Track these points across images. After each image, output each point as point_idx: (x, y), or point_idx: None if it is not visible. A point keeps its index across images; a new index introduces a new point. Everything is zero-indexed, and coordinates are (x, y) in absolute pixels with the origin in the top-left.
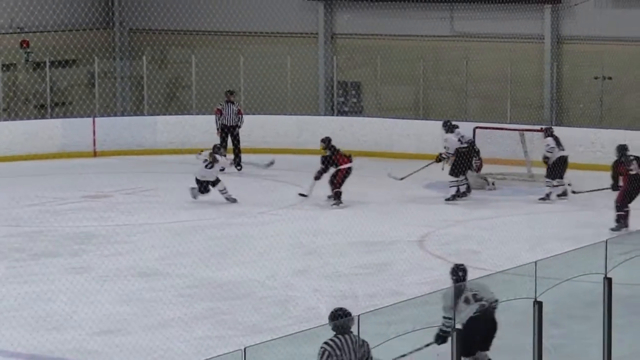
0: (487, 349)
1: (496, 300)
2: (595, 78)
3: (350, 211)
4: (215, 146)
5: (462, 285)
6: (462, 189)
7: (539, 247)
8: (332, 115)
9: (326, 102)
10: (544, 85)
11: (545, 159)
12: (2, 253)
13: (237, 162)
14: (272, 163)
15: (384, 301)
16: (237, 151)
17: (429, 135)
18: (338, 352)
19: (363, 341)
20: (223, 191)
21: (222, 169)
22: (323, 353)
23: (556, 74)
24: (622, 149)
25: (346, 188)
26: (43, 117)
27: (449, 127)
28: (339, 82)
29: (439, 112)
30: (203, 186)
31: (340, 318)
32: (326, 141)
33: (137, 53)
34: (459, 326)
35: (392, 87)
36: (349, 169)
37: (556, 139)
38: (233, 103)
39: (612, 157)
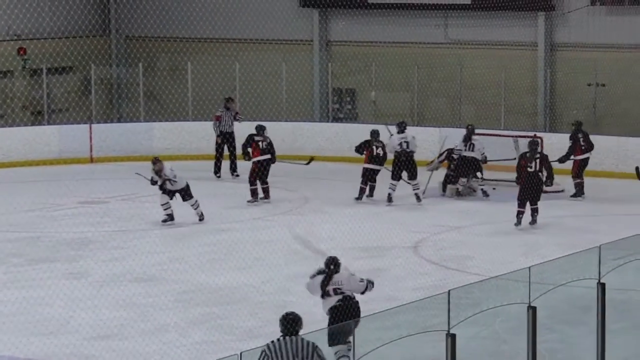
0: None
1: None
2: (589, 85)
3: (346, 217)
4: (153, 159)
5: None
6: (391, 193)
7: (533, 253)
8: (328, 121)
9: (321, 108)
10: (537, 92)
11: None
12: None
13: (233, 169)
14: (311, 160)
15: (379, 306)
16: (232, 157)
17: (423, 141)
18: (277, 354)
19: (310, 344)
20: (192, 206)
21: (171, 179)
22: (261, 354)
23: (550, 80)
24: (532, 144)
25: (342, 194)
26: (40, 123)
27: (400, 128)
28: (334, 89)
29: (433, 119)
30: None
31: (290, 321)
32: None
33: (134, 60)
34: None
35: (386, 94)
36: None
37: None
38: (231, 110)
39: (605, 163)
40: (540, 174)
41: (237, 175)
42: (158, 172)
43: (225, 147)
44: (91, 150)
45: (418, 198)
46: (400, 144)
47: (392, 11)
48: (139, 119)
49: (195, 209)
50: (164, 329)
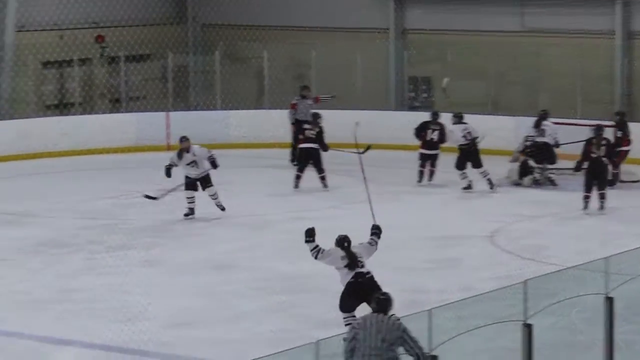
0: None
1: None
2: None
3: (423, 205)
4: (181, 138)
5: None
6: (464, 183)
7: (610, 243)
8: (403, 110)
9: (397, 97)
10: (614, 80)
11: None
12: (78, 245)
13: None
14: (368, 148)
15: (454, 296)
16: None
17: (499, 130)
18: (364, 328)
19: (398, 323)
20: (211, 197)
21: (213, 163)
22: (352, 328)
23: (627, 69)
24: (597, 130)
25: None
26: (117, 111)
27: (457, 119)
28: (409, 77)
29: (508, 107)
30: (191, 183)
31: (383, 300)
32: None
33: (210, 48)
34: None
35: (462, 82)
36: None
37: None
38: (307, 98)
39: None
40: (604, 159)
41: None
42: (184, 149)
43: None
44: (168, 138)
45: (491, 184)
46: (465, 136)
47: None
48: (215, 107)
49: (215, 199)
50: (240, 316)
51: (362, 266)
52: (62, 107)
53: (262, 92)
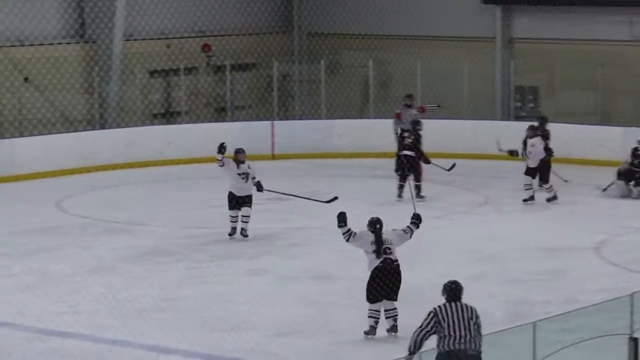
0: (394, 299)
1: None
2: None
3: (527, 216)
4: (237, 149)
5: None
6: (527, 195)
7: None
8: (509, 120)
9: (503, 106)
10: None
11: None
12: (182, 254)
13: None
14: (453, 166)
15: (559, 308)
16: None
17: (608, 140)
18: (445, 315)
19: (472, 308)
20: (243, 218)
21: (254, 179)
22: (429, 314)
23: None
24: None
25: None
26: (223, 120)
27: (533, 132)
28: (516, 87)
29: (618, 117)
30: (235, 202)
31: (454, 289)
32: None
33: (315, 57)
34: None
35: (570, 92)
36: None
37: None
38: (411, 107)
39: None
40: None
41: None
42: (240, 161)
43: None
44: (273, 147)
45: (555, 197)
46: (549, 150)
47: (575, 8)
48: (320, 116)
49: (245, 222)
50: (345, 328)
51: (390, 253)
52: (169, 116)
53: (367, 101)
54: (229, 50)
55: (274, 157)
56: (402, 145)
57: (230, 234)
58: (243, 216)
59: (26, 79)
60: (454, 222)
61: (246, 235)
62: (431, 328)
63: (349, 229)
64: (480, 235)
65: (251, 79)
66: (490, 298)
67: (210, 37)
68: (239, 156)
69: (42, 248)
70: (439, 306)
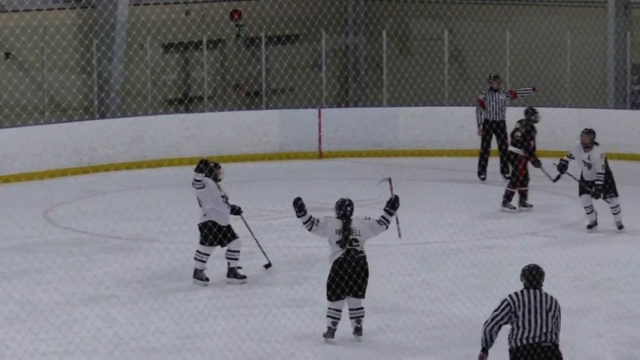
0: (360, 296)
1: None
2: None
3: None
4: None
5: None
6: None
7: None
8: (625, 108)
9: (617, 91)
10: None
11: None
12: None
13: (503, 168)
14: (559, 177)
15: None
16: (502, 153)
17: None
18: (521, 303)
19: (553, 297)
20: (231, 254)
21: (231, 207)
22: (502, 303)
23: None
24: None
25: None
26: (256, 107)
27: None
28: (634, 66)
29: None
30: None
31: (534, 274)
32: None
33: (376, 27)
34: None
35: None
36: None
37: None
38: (498, 91)
39: None
40: None
41: (509, 177)
42: (217, 180)
43: (494, 140)
44: (320, 142)
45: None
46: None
47: None
48: (381, 102)
49: (236, 258)
50: None
51: (357, 245)
52: (187, 102)
53: (441, 84)
54: (264, 18)
55: (321, 155)
56: (511, 139)
57: (200, 278)
58: (233, 251)
59: (7, 55)
60: (553, 240)
61: (243, 277)
62: (502, 318)
63: (310, 217)
64: (589, 258)
65: (293, 56)
66: (598, 337)
67: (241, 1)
68: (219, 173)
69: (25, 270)
70: (515, 293)
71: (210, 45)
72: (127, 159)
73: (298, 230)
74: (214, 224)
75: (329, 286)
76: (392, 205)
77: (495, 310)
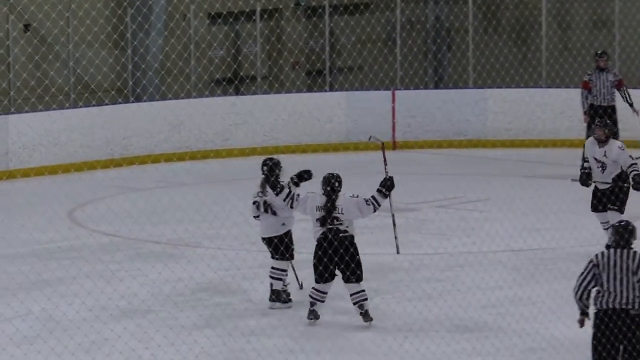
0: (352, 280)
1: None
2: None
3: None
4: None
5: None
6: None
7: None
8: None
9: None
10: None
11: None
12: (256, 291)
13: None
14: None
15: None
16: None
17: None
18: (606, 263)
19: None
20: (275, 273)
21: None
22: (588, 264)
23: None
24: None
25: None
26: (320, 89)
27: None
28: None
29: None
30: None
31: (624, 231)
32: None
33: None
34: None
35: None
36: None
37: None
38: (606, 71)
39: None
40: None
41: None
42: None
43: None
44: (393, 131)
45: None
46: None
47: None
48: (466, 83)
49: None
50: None
51: (340, 224)
52: (238, 82)
53: (538, 62)
54: None
55: (395, 145)
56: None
57: (281, 300)
58: (278, 269)
59: (26, 27)
60: None
61: (287, 300)
62: (589, 282)
63: (289, 192)
64: None
65: (362, 28)
66: None
67: None
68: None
69: (46, 281)
70: (601, 253)
71: (265, 16)
72: (167, 149)
73: (367, 233)
74: (288, 234)
75: (315, 268)
76: (386, 186)
77: (581, 275)
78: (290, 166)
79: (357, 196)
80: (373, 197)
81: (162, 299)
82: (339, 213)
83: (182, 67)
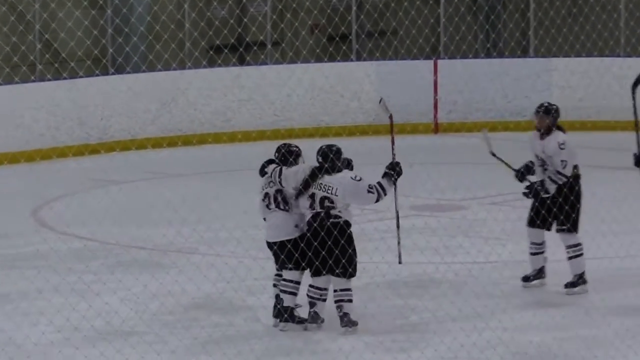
0: (339, 274)
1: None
2: None
3: None
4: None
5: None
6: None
7: None
8: None
9: None
10: None
11: None
12: (265, 309)
13: None
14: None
15: None
16: None
17: None
18: None
19: None
20: (287, 286)
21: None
22: None
23: None
24: None
25: None
26: (344, 58)
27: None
28: None
29: None
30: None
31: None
32: None
33: None
34: None
35: None
36: None
37: None
38: None
39: None
40: None
41: None
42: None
43: None
44: (435, 110)
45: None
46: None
47: None
48: (526, 51)
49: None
50: None
51: (331, 208)
52: (243, 50)
53: (615, 26)
54: None
55: (437, 128)
56: None
57: (315, 321)
58: (293, 282)
59: None
60: None
61: (302, 321)
62: None
63: (276, 166)
64: None
65: None
66: None
67: None
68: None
69: (6, 295)
70: None
71: None
72: (155, 132)
73: (407, 237)
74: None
75: (308, 259)
76: (393, 168)
77: None
78: (306, 152)
79: (360, 179)
80: (379, 183)
81: (148, 318)
82: (332, 194)
83: (174, 31)
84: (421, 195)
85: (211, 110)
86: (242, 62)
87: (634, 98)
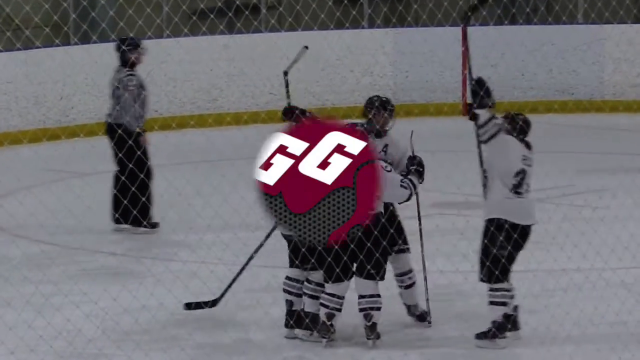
0: (365, 275)
1: None
2: None
3: None
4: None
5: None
6: None
7: None
8: None
9: None
10: None
11: None
12: (264, 321)
13: None
14: None
15: None
16: None
17: None
18: None
19: None
20: (310, 289)
21: None
22: None
23: None
24: None
25: None
26: (354, 24)
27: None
28: None
29: None
30: None
31: None
32: None
33: None
34: None
35: None
36: None
37: None
38: None
39: None
40: None
41: None
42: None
43: None
44: (464, 87)
45: None
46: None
47: None
48: (574, 17)
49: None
50: None
51: None
52: (233, 14)
53: None
54: None
55: (466, 109)
56: None
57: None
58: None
59: None
60: None
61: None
62: None
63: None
64: None
65: None
66: None
67: None
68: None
69: None
70: None
71: None
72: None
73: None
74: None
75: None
76: (421, 164)
77: None
78: None
79: (391, 170)
80: (410, 179)
81: (118, 337)
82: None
83: None
84: (447, 190)
85: (194, 87)
86: (231, 29)
87: None
